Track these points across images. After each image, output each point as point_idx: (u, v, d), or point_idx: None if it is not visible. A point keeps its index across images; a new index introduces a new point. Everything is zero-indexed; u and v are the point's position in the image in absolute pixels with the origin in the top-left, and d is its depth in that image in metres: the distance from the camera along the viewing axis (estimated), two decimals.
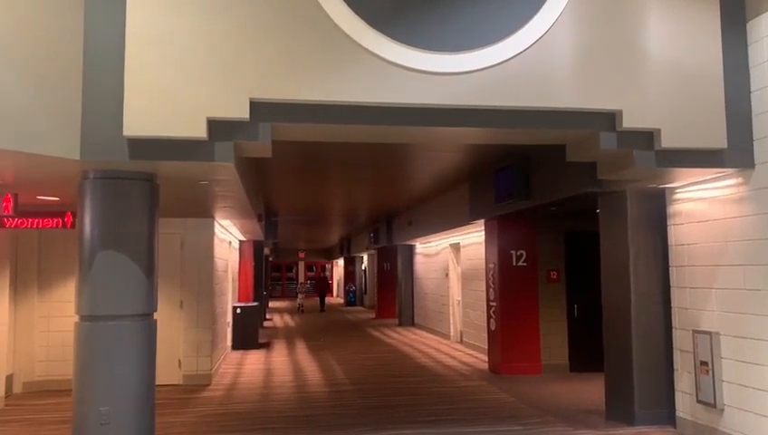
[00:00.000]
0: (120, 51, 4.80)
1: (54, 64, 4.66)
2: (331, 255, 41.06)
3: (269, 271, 33.27)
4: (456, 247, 15.59)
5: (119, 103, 4.77)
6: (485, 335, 11.68)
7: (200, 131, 4.79)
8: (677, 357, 6.81)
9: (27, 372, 9.26)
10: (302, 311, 27.49)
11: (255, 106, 4.91)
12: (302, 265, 43.45)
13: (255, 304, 14.93)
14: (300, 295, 29.27)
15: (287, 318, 24.40)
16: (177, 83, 4.79)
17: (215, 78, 4.84)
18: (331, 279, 42.91)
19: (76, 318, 5.31)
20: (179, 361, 9.80)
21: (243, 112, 4.85)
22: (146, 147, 4.86)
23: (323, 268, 43.22)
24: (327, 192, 13.81)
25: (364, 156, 9.27)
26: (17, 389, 9.15)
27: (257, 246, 17.29)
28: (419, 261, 19.98)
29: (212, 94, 4.82)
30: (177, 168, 5.23)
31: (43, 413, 7.89)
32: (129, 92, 4.74)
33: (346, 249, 32.01)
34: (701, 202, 6.43)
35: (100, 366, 5.19)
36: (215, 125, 4.88)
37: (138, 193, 5.39)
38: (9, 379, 8.87)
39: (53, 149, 4.65)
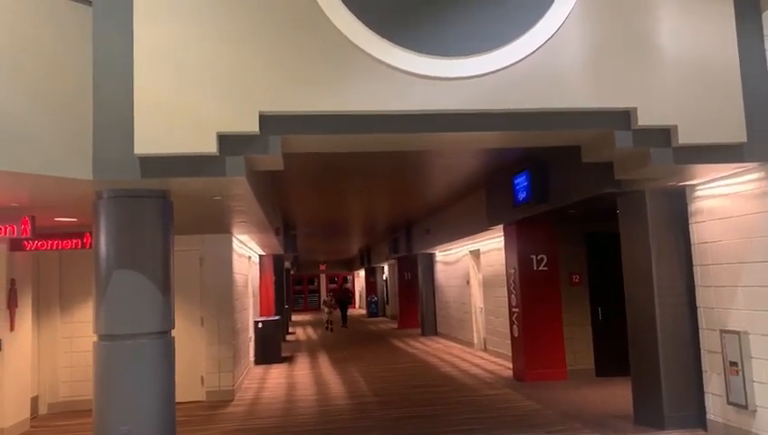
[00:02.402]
0: (129, 69, 4.81)
1: (64, 85, 4.70)
2: (351, 266, 41.03)
3: (291, 284, 33.31)
4: (476, 254, 15.46)
5: (129, 122, 4.78)
6: (509, 342, 11.54)
7: (211, 147, 4.78)
8: (705, 358, 6.65)
9: (52, 393, 9.32)
10: (331, 329, 23.72)
11: (265, 119, 4.90)
12: (323, 278, 43.47)
13: (277, 318, 14.93)
14: (326, 312, 24.78)
15: (310, 331, 24.38)
16: (185, 100, 4.80)
17: (223, 93, 4.84)
18: (353, 290, 42.76)
19: (94, 338, 5.32)
20: (202, 377, 9.80)
21: (252, 126, 4.84)
22: (157, 164, 4.86)
23: (345, 279, 43.16)
24: (344, 203, 13.79)
25: (380, 165, 9.23)
26: (42, 410, 9.20)
27: (277, 260, 17.30)
28: (440, 269, 19.86)
29: (221, 109, 4.82)
30: (190, 184, 5.23)
31: (69, 434, 7.92)
32: (139, 111, 4.76)
33: (366, 260, 31.95)
34: (723, 199, 6.29)
35: (120, 385, 5.18)
36: (225, 140, 4.87)
37: (152, 211, 5.39)
38: (34, 400, 8.93)
39: (66, 169, 4.68)
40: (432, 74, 5.01)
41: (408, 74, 4.99)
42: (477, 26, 5.10)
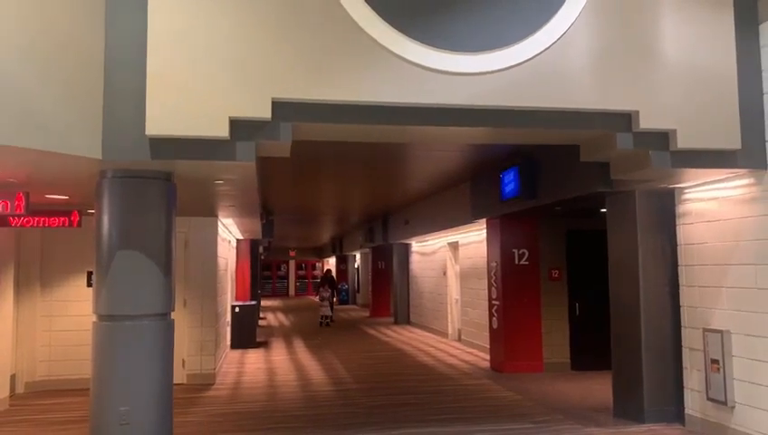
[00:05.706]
0: (142, 50, 4.78)
1: (76, 64, 4.63)
2: (322, 253, 40.97)
3: (260, 269, 33.12)
4: (454, 246, 15.62)
5: (140, 103, 4.76)
6: (485, 334, 11.73)
7: (223, 131, 4.78)
8: (687, 355, 6.88)
9: (29, 371, 9.18)
10: (328, 324, 20.01)
11: (277, 106, 4.91)
12: (292, 264, 43.37)
13: (253, 302, 14.90)
14: (323, 304, 20.33)
15: (281, 317, 24.36)
16: (199, 83, 4.78)
17: (237, 78, 4.83)
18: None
19: (94, 318, 5.29)
20: (183, 360, 9.75)
21: (265, 112, 4.85)
22: (168, 146, 4.84)
23: (313, 265, 43.05)
24: (323, 190, 13.77)
25: (361, 155, 9.22)
26: (20, 389, 9.07)
27: (253, 245, 17.23)
28: (415, 260, 20.01)
29: (234, 94, 4.82)
30: (196, 167, 5.23)
31: (48, 413, 7.84)
32: (151, 92, 4.72)
33: (338, 248, 31.96)
34: (711, 202, 6.50)
35: (119, 366, 5.17)
36: (237, 125, 4.87)
37: (156, 192, 5.38)
38: (12, 379, 8.78)
39: (76, 148, 4.62)
40: (443, 69, 5.07)
41: (421, 68, 5.04)
42: (488, 24, 5.17)
